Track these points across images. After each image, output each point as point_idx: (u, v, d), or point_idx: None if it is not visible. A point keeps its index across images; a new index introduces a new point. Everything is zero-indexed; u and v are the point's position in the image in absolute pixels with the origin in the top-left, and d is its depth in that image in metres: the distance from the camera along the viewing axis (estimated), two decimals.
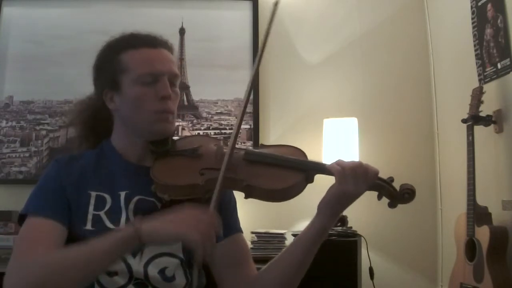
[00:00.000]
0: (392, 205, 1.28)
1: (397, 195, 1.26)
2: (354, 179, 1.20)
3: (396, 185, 1.27)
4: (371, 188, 1.24)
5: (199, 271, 1.35)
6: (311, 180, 1.26)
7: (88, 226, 1.25)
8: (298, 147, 1.35)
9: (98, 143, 1.39)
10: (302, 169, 1.26)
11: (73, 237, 1.23)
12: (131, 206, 1.27)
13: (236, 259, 1.34)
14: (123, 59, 1.30)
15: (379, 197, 1.27)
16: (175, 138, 1.40)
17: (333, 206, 1.24)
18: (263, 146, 1.39)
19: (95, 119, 1.40)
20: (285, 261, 1.28)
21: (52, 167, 1.32)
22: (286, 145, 1.37)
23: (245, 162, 1.27)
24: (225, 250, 1.32)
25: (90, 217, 1.25)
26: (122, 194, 1.28)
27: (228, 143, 1.24)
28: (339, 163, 1.23)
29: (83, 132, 1.42)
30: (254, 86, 3.23)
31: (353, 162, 1.22)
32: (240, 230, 1.39)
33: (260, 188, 1.22)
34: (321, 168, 1.26)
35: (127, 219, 1.25)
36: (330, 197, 1.23)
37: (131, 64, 1.29)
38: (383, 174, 1.28)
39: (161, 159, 1.30)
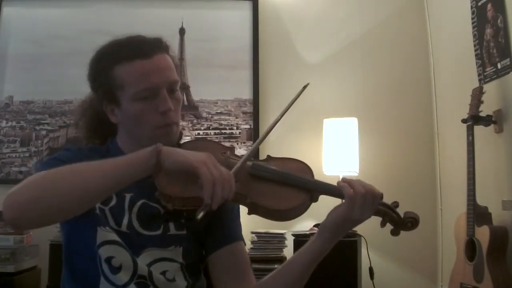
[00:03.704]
0: (395, 232, 1.26)
1: (400, 222, 1.24)
2: (362, 205, 1.18)
3: (401, 210, 1.26)
4: (376, 214, 1.22)
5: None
6: (315, 200, 1.24)
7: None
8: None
9: (104, 141, 1.38)
10: (308, 189, 1.23)
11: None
12: (135, 209, 1.27)
13: (235, 268, 1.32)
14: (118, 74, 1.24)
15: (383, 224, 1.25)
16: (182, 141, 1.37)
17: (335, 230, 1.23)
18: (270, 158, 1.35)
19: (98, 120, 1.38)
20: (282, 278, 1.28)
21: (63, 152, 1.30)
22: (293, 159, 1.34)
23: (251, 177, 1.24)
24: (224, 258, 1.31)
25: (95, 211, 1.23)
26: (127, 196, 1.27)
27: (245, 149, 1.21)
28: (351, 185, 1.19)
29: (88, 135, 1.40)
30: (254, 86, 3.24)
31: (362, 186, 1.18)
32: (241, 239, 1.37)
33: (264, 207, 1.21)
34: (328, 190, 1.24)
35: (129, 222, 1.25)
36: (333, 219, 1.22)
37: (126, 80, 1.24)
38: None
39: None
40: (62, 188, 1.06)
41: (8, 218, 1.04)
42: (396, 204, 1.25)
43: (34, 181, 1.08)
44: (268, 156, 1.35)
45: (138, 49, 1.26)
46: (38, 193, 1.04)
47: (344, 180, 1.22)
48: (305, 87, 1.33)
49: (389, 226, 1.26)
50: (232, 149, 1.35)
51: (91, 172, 1.08)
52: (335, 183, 1.25)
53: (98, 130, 1.39)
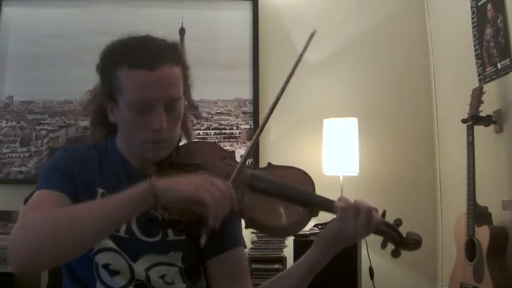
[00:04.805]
0: (395, 253, 1.21)
1: (402, 242, 1.21)
2: (355, 220, 1.15)
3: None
4: (376, 233, 1.19)
5: (201, 271, 1.34)
6: (315, 214, 1.20)
7: None
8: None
9: (110, 130, 1.35)
10: (307, 204, 1.19)
11: None
12: None
13: (234, 273, 1.31)
14: (119, 77, 1.20)
15: (384, 244, 1.21)
16: (181, 143, 1.35)
17: (329, 242, 1.22)
18: (271, 166, 1.30)
19: (104, 110, 1.33)
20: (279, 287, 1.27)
21: (60, 154, 1.29)
22: (295, 168, 1.28)
23: (250, 188, 1.19)
24: (222, 264, 1.30)
25: None
26: None
27: (240, 157, 1.17)
28: (343, 200, 1.18)
29: (95, 120, 1.37)
30: (254, 86, 3.23)
31: (358, 203, 1.16)
32: (241, 245, 1.36)
33: (262, 224, 1.16)
34: (327, 206, 1.19)
35: (128, 227, 1.23)
36: (327, 232, 1.20)
37: (125, 86, 1.19)
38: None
39: (163, 171, 1.24)
40: (63, 237, 1.04)
41: (17, 268, 1.03)
42: (398, 222, 1.20)
43: (34, 227, 1.05)
44: (269, 164, 1.31)
45: (143, 57, 1.20)
46: (41, 243, 1.03)
47: (340, 198, 1.20)
48: (312, 34, 1.28)
49: (390, 246, 1.22)
50: (232, 154, 1.31)
51: (89, 215, 1.06)
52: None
53: (105, 118, 1.34)
